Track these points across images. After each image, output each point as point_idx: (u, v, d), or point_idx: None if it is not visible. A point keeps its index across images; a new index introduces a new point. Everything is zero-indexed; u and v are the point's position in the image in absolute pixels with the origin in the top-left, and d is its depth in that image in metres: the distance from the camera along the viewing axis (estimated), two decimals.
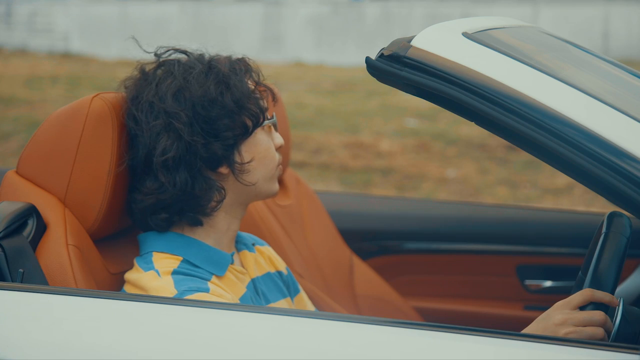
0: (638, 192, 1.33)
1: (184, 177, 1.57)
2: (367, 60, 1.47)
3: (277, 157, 1.69)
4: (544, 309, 1.51)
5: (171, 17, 14.12)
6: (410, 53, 1.44)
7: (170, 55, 1.66)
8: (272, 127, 1.70)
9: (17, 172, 1.64)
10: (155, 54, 1.66)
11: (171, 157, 1.56)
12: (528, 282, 2.62)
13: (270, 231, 2.18)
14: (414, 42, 1.46)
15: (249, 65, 1.68)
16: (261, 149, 1.66)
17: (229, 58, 1.67)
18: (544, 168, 6.26)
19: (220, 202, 1.62)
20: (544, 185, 5.91)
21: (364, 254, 2.64)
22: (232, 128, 1.60)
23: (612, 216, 1.59)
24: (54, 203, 1.60)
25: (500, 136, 1.43)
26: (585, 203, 5.56)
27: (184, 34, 13.56)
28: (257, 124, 1.64)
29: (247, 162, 1.63)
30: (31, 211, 1.56)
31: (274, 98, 1.72)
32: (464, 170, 6.48)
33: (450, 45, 1.46)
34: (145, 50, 1.67)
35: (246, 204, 1.69)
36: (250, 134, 1.63)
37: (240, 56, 1.69)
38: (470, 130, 7.54)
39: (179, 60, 1.63)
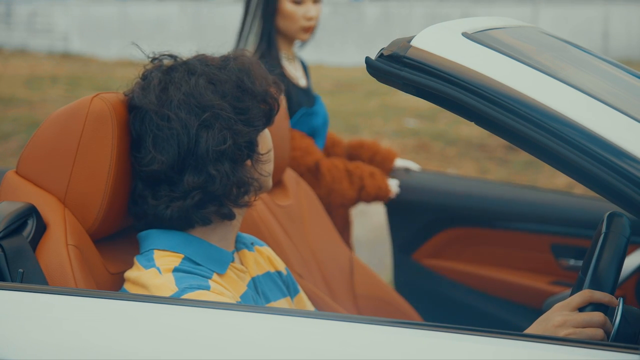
0: (638, 192, 1.33)
1: (229, 167, 1.59)
2: (367, 60, 1.47)
3: None
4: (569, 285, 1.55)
5: (171, 17, 14.12)
6: (410, 53, 1.44)
7: (164, 59, 1.68)
8: None
9: (17, 172, 1.64)
10: (155, 59, 1.67)
11: (226, 148, 1.57)
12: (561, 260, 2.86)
13: (270, 231, 2.18)
14: (413, 42, 1.46)
15: (252, 58, 1.72)
16: (269, 140, 1.71)
17: (240, 51, 1.72)
18: (544, 168, 6.27)
19: (257, 192, 1.67)
20: (544, 185, 5.91)
21: (436, 226, 3.00)
22: (260, 117, 1.65)
23: (612, 216, 1.59)
24: (53, 203, 1.60)
25: (500, 136, 1.43)
26: None
27: (184, 34, 13.56)
28: (275, 113, 1.70)
29: (266, 153, 1.68)
30: (31, 211, 1.56)
31: (281, 90, 1.74)
32: (464, 170, 6.48)
33: (450, 45, 1.46)
34: (147, 56, 1.69)
35: None
36: (268, 124, 1.68)
37: (239, 51, 1.72)
38: (470, 130, 7.54)
39: (197, 58, 1.66)
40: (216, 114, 1.58)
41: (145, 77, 1.65)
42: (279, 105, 1.71)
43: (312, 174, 2.81)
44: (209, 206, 1.60)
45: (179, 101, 1.58)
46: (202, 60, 1.65)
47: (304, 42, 2.99)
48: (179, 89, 1.59)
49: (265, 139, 1.69)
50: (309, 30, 2.94)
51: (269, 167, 1.70)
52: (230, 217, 1.63)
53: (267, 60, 2.81)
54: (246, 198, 1.65)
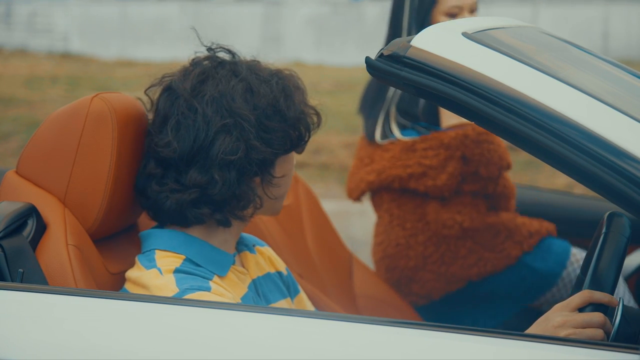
0: (638, 192, 1.33)
1: (234, 178, 1.57)
2: (367, 60, 1.47)
3: None
4: None
5: (171, 17, 14.11)
6: (410, 53, 1.44)
7: (219, 52, 1.67)
8: None
9: (17, 172, 1.64)
10: (210, 49, 1.67)
11: (235, 159, 1.56)
12: None
13: (270, 231, 2.18)
14: (413, 42, 1.46)
15: (300, 83, 1.70)
16: (290, 166, 1.69)
17: (291, 72, 1.69)
18: (544, 168, 6.26)
19: (257, 210, 1.65)
20: (544, 185, 5.90)
21: None
22: (283, 141, 1.62)
23: (611, 216, 1.58)
24: (53, 203, 1.60)
25: (500, 136, 1.43)
26: None
27: (184, 34, 13.55)
28: (304, 142, 1.67)
29: (280, 177, 1.65)
30: (31, 211, 1.56)
31: (319, 123, 1.72)
32: None
33: (450, 45, 1.46)
34: (204, 45, 1.67)
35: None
36: (292, 150, 1.67)
37: (290, 72, 1.70)
38: None
39: (249, 63, 1.65)
40: (239, 122, 1.57)
41: (193, 62, 1.64)
42: (310, 136, 1.68)
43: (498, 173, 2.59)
44: (204, 207, 1.59)
45: (211, 97, 1.58)
46: (252, 66, 1.64)
47: None
48: (216, 85, 1.59)
49: (285, 164, 1.67)
50: None
51: (278, 191, 1.67)
52: (225, 224, 1.62)
53: None
54: (244, 212, 1.64)
